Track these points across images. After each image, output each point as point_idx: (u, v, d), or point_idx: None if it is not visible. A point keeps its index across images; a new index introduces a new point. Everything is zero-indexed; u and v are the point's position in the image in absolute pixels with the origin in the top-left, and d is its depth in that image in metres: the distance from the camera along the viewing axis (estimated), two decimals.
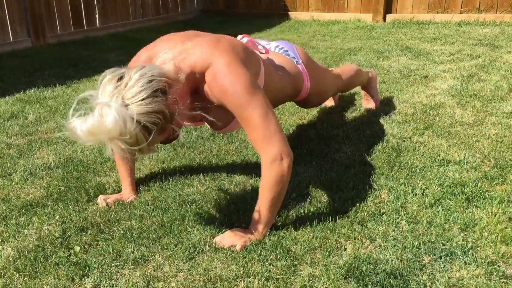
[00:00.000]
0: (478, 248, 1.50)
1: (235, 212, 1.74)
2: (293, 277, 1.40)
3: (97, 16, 5.70)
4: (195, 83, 1.53)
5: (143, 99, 1.30)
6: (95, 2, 5.64)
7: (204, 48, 1.52)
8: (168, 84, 1.38)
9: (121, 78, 1.33)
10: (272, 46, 2.11)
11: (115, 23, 5.90)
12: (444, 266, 1.43)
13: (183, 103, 1.47)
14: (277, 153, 1.50)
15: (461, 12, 5.47)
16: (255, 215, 1.58)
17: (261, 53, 1.85)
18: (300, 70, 2.04)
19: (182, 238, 1.59)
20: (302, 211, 1.73)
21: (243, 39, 1.89)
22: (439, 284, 1.36)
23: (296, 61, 2.05)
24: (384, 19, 5.81)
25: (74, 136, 1.30)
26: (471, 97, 2.87)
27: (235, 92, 1.48)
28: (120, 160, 1.89)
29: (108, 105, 1.28)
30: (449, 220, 1.65)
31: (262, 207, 1.56)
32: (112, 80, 1.33)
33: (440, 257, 1.46)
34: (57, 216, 1.76)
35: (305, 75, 2.06)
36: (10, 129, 2.66)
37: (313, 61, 2.19)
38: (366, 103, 2.83)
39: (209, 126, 1.73)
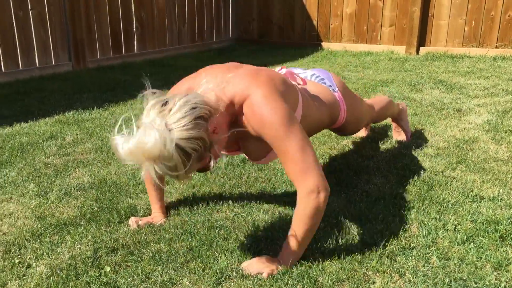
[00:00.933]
0: None
1: (263, 239, 1.75)
2: None
3: (135, 42, 5.90)
4: (234, 114, 1.56)
5: (185, 125, 1.35)
6: (134, 29, 5.85)
7: (243, 80, 1.56)
8: (210, 112, 1.42)
9: (165, 103, 1.38)
10: (308, 75, 2.14)
11: (152, 49, 6.09)
12: None
13: (222, 132, 1.51)
14: (314, 186, 1.50)
15: (496, 47, 5.42)
16: (286, 246, 1.57)
17: (299, 84, 1.87)
18: (336, 98, 2.06)
19: (209, 263, 1.60)
20: (330, 242, 1.72)
21: (281, 70, 1.92)
22: None
23: (333, 89, 2.08)
24: (418, 51, 5.80)
25: (115, 152, 1.36)
26: (506, 132, 2.82)
27: (272, 123, 1.50)
28: (150, 185, 1.93)
29: (151, 126, 1.32)
30: (481, 258, 1.61)
31: (294, 239, 1.54)
32: (156, 105, 1.38)
33: None
34: (90, 236, 1.80)
35: (341, 103, 2.08)
36: (48, 149, 2.76)
37: (349, 89, 2.21)
38: (397, 135, 2.82)
39: (247, 157, 1.77)
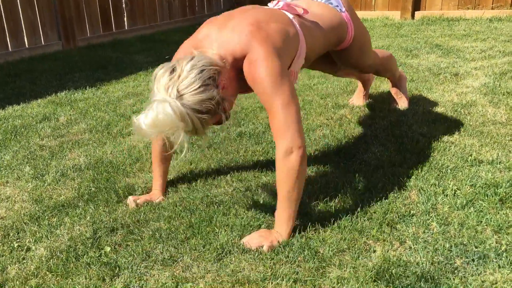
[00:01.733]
0: None
1: (262, 213, 1.74)
2: (321, 279, 1.39)
3: (125, 19, 5.79)
4: (238, 68, 1.61)
5: (196, 89, 1.43)
6: (124, 5, 5.73)
7: (243, 36, 1.59)
8: (217, 71, 1.49)
9: (173, 70, 1.45)
10: None
11: (143, 25, 5.98)
12: (477, 269, 1.39)
13: (232, 87, 1.59)
14: (288, 146, 1.54)
15: (492, 8, 5.33)
16: (276, 213, 1.60)
17: (299, 15, 1.83)
18: (343, 18, 2.03)
19: (210, 239, 1.60)
20: (329, 213, 1.71)
21: (278, 3, 1.88)
22: (472, 287, 1.33)
23: (340, 9, 2.03)
24: (413, 16, 5.71)
25: (140, 131, 1.43)
26: (503, 95, 2.79)
27: (263, 80, 1.55)
28: (156, 158, 1.91)
29: (164, 101, 1.40)
30: (481, 222, 1.61)
31: (281, 203, 1.58)
32: (165, 73, 1.45)
33: (473, 260, 1.43)
34: (88, 217, 1.79)
35: (349, 22, 2.05)
36: (42, 131, 2.73)
37: (356, 14, 2.17)
38: (395, 102, 2.79)
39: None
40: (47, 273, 1.49)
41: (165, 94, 1.42)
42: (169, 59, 1.61)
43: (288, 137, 1.54)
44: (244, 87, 1.68)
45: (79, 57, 4.70)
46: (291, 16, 1.79)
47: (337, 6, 2.04)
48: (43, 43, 4.95)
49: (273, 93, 1.55)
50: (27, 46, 4.81)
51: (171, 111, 1.39)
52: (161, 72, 1.46)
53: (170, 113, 1.39)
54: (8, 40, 4.64)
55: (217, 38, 1.62)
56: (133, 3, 5.83)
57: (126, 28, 5.81)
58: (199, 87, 1.43)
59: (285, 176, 1.55)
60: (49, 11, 4.95)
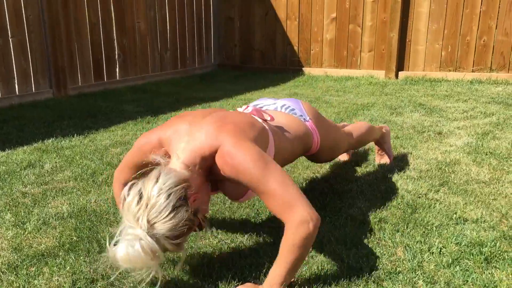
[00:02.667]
0: None
1: (247, 266, 1.71)
2: None
3: (117, 69, 5.89)
4: (208, 166, 1.57)
5: (166, 216, 1.37)
6: (116, 56, 5.85)
7: (209, 131, 1.57)
8: (186, 187, 1.44)
9: (140, 198, 1.40)
10: (278, 106, 2.13)
11: (134, 76, 6.07)
12: None
13: (203, 194, 1.54)
14: (304, 216, 1.47)
15: (473, 71, 5.55)
16: (272, 274, 1.52)
17: (267, 120, 1.86)
18: (308, 128, 2.06)
19: None
20: (315, 267, 1.69)
21: (247, 108, 1.91)
22: None
23: (304, 119, 2.08)
24: (397, 76, 5.91)
25: (113, 261, 1.40)
26: (486, 154, 2.86)
27: (245, 169, 1.50)
28: None
29: (136, 237, 1.36)
30: (467, 281, 1.60)
31: (281, 268, 1.49)
32: (132, 202, 1.40)
33: None
34: (68, 267, 1.74)
35: (314, 131, 2.08)
36: (26, 178, 2.70)
37: (322, 116, 2.21)
38: (379, 158, 2.83)
39: (226, 196, 1.75)
40: None
41: (136, 226, 1.37)
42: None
43: (299, 208, 1.48)
44: (215, 187, 1.68)
45: (69, 105, 4.73)
46: (260, 120, 1.81)
47: (301, 116, 2.09)
48: (33, 90, 4.98)
49: (262, 176, 1.49)
50: (17, 93, 4.83)
51: (142, 251, 1.35)
52: (129, 200, 1.41)
53: (141, 254, 1.35)
54: None
55: (184, 138, 1.59)
56: (125, 54, 5.95)
57: (117, 78, 5.89)
58: (169, 213, 1.37)
59: (297, 245, 1.47)
60: (41, 59, 5.02)
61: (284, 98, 2.22)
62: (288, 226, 1.49)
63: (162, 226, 1.37)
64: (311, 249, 1.82)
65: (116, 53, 5.83)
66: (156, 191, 1.38)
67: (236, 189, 1.65)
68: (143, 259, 1.35)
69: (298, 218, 1.47)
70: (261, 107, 2.12)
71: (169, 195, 1.39)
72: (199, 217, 1.47)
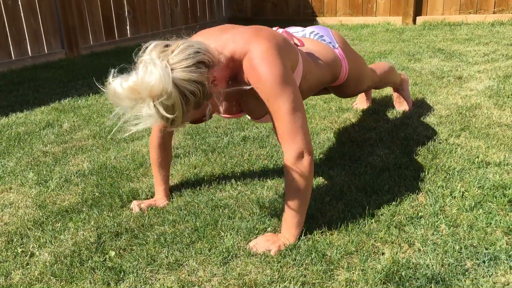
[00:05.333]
0: None
1: (268, 216, 1.72)
2: (330, 282, 1.37)
3: (128, 27, 5.81)
4: (234, 69, 1.54)
5: (187, 66, 1.33)
6: (126, 13, 5.75)
7: (244, 36, 1.54)
8: (212, 60, 1.41)
9: (167, 46, 1.36)
10: (307, 32, 2.08)
11: (145, 33, 5.99)
12: (488, 270, 1.37)
13: (221, 86, 1.50)
14: (298, 151, 1.51)
15: (494, 12, 5.33)
16: (284, 217, 1.57)
17: (297, 45, 1.82)
18: (337, 55, 2.01)
19: (215, 243, 1.58)
20: (336, 215, 1.69)
21: (278, 30, 1.87)
22: None
23: (333, 46, 2.02)
24: (414, 21, 5.72)
25: (113, 96, 1.30)
26: (508, 97, 2.78)
27: (267, 79, 1.48)
28: (156, 166, 1.90)
29: (154, 62, 1.28)
30: (491, 223, 1.59)
31: (289, 208, 1.55)
32: (158, 46, 1.35)
33: (484, 262, 1.40)
34: (92, 222, 1.78)
35: (342, 59, 2.03)
36: (46, 137, 2.72)
37: (351, 47, 2.15)
38: (398, 105, 2.78)
39: (249, 117, 1.74)
40: (51, 278, 1.48)
41: (156, 59, 1.30)
42: None
43: (298, 141, 1.50)
44: (239, 108, 1.65)
45: (82, 65, 4.71)
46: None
47: (330, 42, 2.03)
48: (46, 51, 4.96)
49: (279, 95, 1.49)
50: (30, 54, 4.82)
51: (159, 73, 1.26)
52: (154, 44, 1.36)
53: (157, 75, 1.25)
54: (11, 49, 4.66)
55: (214, 39, 1.55)
56: (135, 11, 5.84)
57: (128, 36, 5.82)
58: (191, 66, 1.33)
59: (295, 182, 1.52)
60: (52, 19, 4.97)
61: (312, 26, 2.16)
62: (285, 160, 1.53)
63: (180, 73, 1.30)
64: (331, 197, 1.81)
65: (126, 9, 5.73)
66: (185, 45, 1.35)
67: (258, 106, 1.62)
68: (156, 83, 1.25)
69: (292, 153, 1.50)
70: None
71: (197, 52, 1.36)
72: (209, 102, 1.44)
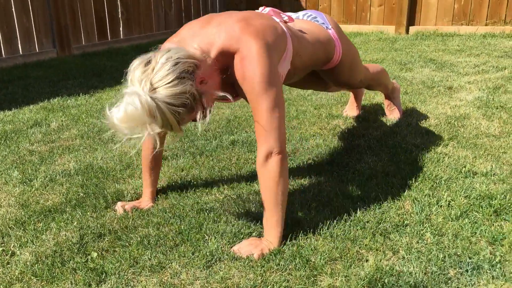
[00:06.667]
0: (507, 262, 1.44)
1: (253, 221, 1.71)
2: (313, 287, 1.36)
3: (121, 28, 5.79)
4: (225, 62, 1.55)
5: (169, 82, 1.36)
6: (119, 15, 5.73)
7: (234, 31, 1.54)
8: (195, 64, 1.43)
9: (148, 62, 1.39)
10: (300, 15, 2.07)
11: (138, 34, 5.98)
12: (471, 280, 1.37)
13: (213, 81, 1.52)
14: (267, 151, 1.53)
15: (486, 24, 5.38)
16: (264, 220, 1.58)
17: (285, 21, 1.80)
18: (330, 35, 1.99)
19: (199, 246, 1.56)
20: (322, 221, 1.68)
21: (264, 9, 1.85)
22: None
23: (326, 27, 2.01)
24: (407, 31, 5.76)
25: (112, 126, 1.38)
26: (497, 108, 2.80)
27: (252, 79, 1.51)
28: (147, 169, 1.88)
29: (134, 93, 1.34)
30: (476, 233, 1.59)
31: (266, 210, 1.56)
32: (139, 66, 1.39)
33: (467, 271, 1.40)
34: (75, 222, 1.75)
35: (336, 40, 2.01)
36: (33, 136, 2.69)
37: (343, 33, 2.14)
38: (389, 113, 2.78)
39: (247, 101, 1.73)
40: (32, 277, 1.45)
41: (139, 87, 1.35)
42: None
43: (269, 141, 1.53)
44: (235, 92, 1.66)
45: (73, 64, 4.68)
46: (277, 20, 1.76)
47: (323, 23, 2.02)
48: (37, 50, 4.92)
49: (260, 93, 1.52)
50: (21, 53, 4.78)
51: (139, 105, 1.32)
52: (136, 64, 1.40)
53: (138, 107, 1.32)
54: (1, 46, 4.62)
55: (200, 33, 1.57)
56: (129, 12, 5.83)
57: (121, 37, 5.80)
58: (172, 80, 1.36)
59: (267, 181, 1.54)
60: (44, 18, 4.94)
61: (306, 10, 2.15)
62: (257, 162, 1.56)
63: (164, 91, 1.35)
64: (318, 203, 1.81)
65: (119, 10, 5.72)
66: (164, 59, 1.38)
67: None
68: (139, 114, 1.32)
69: (262, 153, 1.53)
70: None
71: (176, 63, 1.38)
72: (203, 102, 1.46)
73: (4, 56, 4.64)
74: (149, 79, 1.35)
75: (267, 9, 1.84)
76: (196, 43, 1.52)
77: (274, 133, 1.53)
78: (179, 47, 1.46)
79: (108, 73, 4.28)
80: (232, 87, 1.65)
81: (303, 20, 2.01)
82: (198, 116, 1.48)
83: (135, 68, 1.39)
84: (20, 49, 4.78)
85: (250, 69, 1.51)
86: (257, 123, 1.54)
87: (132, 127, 1.36)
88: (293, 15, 2.06)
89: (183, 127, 1.47)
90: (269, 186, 1.54)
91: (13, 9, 4.66)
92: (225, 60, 1.55)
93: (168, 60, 1.37)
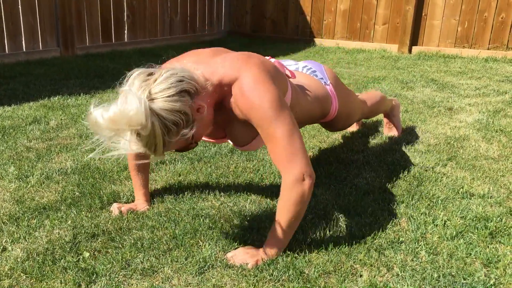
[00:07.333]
0: (501, 285, 1.43)
1: (248, 229, 1.70)
2: None
3: (126, 31, 5.81)
4: (221, 96, 1.51)
5: (169, 96, 1.30)
6: (125, 18, 5.76)
7: (234, 62, 1.51)
8: (196, 89, 1.38)
9: (150, 74, 1.34)
10: (300, 67, 2.08)
11: (142, 39, 5.99)
12: None
13: (207, 113, 1.45)
14: (300, 173, 1.46)
15: (488, 48, 5.42)
16: (271, 235, 1.53)
17: (288, 77, 1.81)
18: (328, 92, 2.01)
19: (193, 252, 1.55)
20: (317, 234, 1.68)
21: (270, 59, 1.86)
22: None
23: (325, 82, 2.02)
24: (410, 50, 5.79)
25: (94, 125, 1.27)
26: (496, 131, 2.81)
27: (261, 106, 1.45)
28: (134, 171, 1.87)
29: (133, 93, 1.26)
30: (471, 254, 1.58)
31: (279, 228, 1.50)
32: (141, 75, 1.33)
33: None
34: (69, 221, 1.74)
35: (333, 96, 2.03)
36: (31, 133, 2.68)
37: (342, 83, 2.16)
38: (388, 131, 2.79)
39: (231, 143, 1.72)
40: (22, 274, 1.44)
41: (137, 91, 1.29)
42: None
43: (298, 164, 1.46)
44: (223, 133, 1.63)
45: (76, 64, 4.68)
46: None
47: (322, 78, 2.03)
48: (41, 48, 4.93)
49: (274, 119, 1.44)
50: (24, 50, 4.78)
51: (133, 104, 1.22)
52: (136, 74, 1.34)
53: (136, 106, 1.22)
54: (5, 42, 4.62)
55: (204, 62, 1.53)
56: (135, 16, 5.85)
57: (126, 40, 5.81)
58: (173, 95, 1.30)
59: (292, 203, 1.47)
60: (50, 17, 4.95)
61: (306, 60, 2.17)
62: (284, 182, 1.48)
63: (161, 103, 1.28)
64: (314, 215, 1.80)
65: (125, 14, 5.74)
66: (169, 73, 1.33)
67: (244, 133, 1.61)
68: (130, 116, 1.22)
69: (294, 176, 1.46)
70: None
71: (181, 81, 1.33)
72: (193, 130, 1.37)
73: (7, 51, 4.64)
74: (148, 87, 1.30)
75: (273, 59, 1.84)
76: (200, 69, 1.47)
77: (300, 155, 1.47)
78: (184, 68, 1.41)
79: (110, 74, 4.28)
80: (222, 128, 1.62)
81: (302, 74, 2.01)
82: (186, 146, 1.43)
83: (136, 76, 1.33)
84: (24, 46, 4.78)
85: (255, 95, 1.45)
86: (277, 150, 1.47)
87: (115, 130, 1.25)
88: (293, 66, 2.08)
89: (165, 151, 1.37)
90: (291, 210, 1.48)
91: (20, 7, 4.67)
92: (222, 92, 1.50)
93: (173, 76, 1.33)
